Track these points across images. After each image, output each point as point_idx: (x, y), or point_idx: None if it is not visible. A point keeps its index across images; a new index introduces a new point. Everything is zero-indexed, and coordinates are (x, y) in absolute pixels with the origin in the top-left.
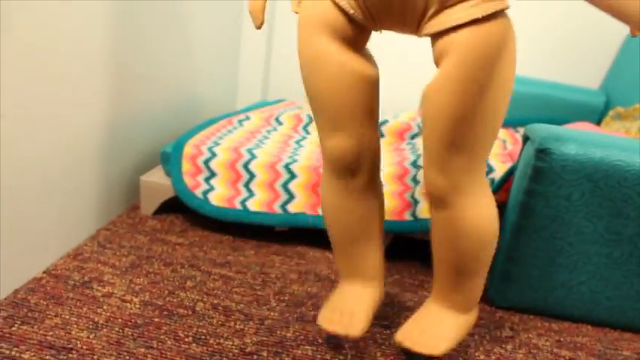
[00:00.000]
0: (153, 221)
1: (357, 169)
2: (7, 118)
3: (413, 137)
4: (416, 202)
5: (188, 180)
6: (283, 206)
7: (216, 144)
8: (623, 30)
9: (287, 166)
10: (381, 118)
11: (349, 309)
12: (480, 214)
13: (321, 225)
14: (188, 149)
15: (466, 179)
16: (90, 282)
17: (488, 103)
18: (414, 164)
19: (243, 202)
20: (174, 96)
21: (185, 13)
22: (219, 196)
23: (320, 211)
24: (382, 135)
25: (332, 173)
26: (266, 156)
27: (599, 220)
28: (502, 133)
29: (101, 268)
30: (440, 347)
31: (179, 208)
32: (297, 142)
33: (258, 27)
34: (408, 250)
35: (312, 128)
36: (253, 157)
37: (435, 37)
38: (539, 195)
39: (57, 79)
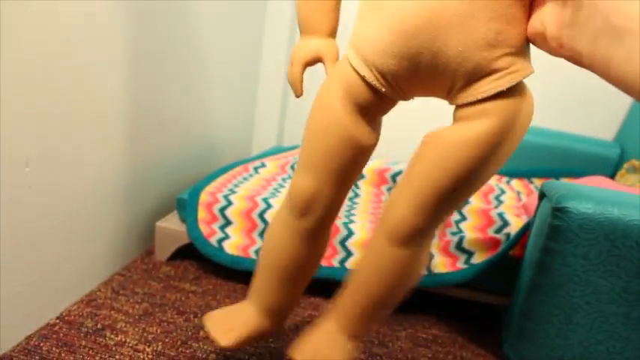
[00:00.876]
0: (167, 267)
1: (306, 214)
2: (32, 166)
3: None
4: (430, 256)
5: (203, 228)
6: None
7: (232, 192)
8: None
9: None
10: (396, 168)
11: (233, 323)
12: (426, 257)
13: (335, 277)
14: (204, 197)
15: (437, 225)
16: (103, 329)
17: (494, 168)
18: None
19: (257, 252)
20: (190, 141)
21: (202, 59)
22: (234, 244)
23: (335, 263)
24: (395, 182)
25: (287, 206)
26: None
27: (617, 280)
28: (516, 185)
29: (115, 315)
30: None
31: (193, 254)
32: None
33: (298, 96)
34: (421, 304)
35: None
36: (269, 206)
37: (461, 105)
38: (555, 253)
39: (74, 127)
